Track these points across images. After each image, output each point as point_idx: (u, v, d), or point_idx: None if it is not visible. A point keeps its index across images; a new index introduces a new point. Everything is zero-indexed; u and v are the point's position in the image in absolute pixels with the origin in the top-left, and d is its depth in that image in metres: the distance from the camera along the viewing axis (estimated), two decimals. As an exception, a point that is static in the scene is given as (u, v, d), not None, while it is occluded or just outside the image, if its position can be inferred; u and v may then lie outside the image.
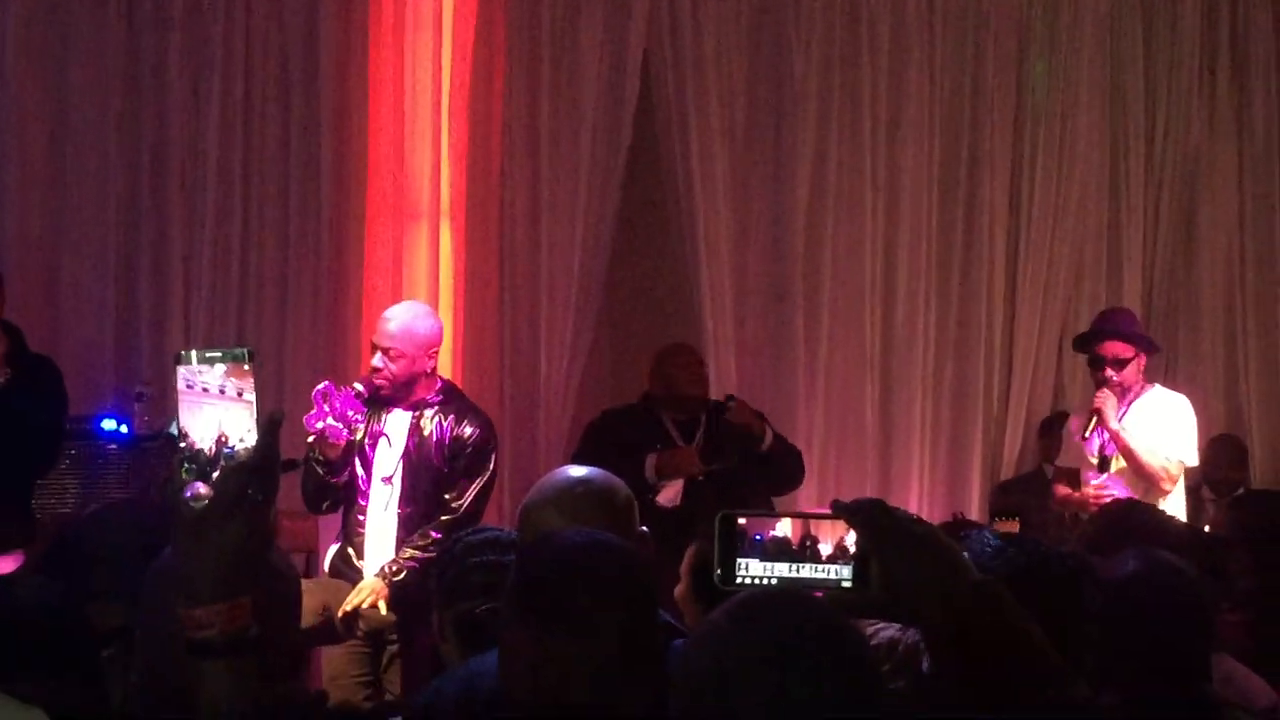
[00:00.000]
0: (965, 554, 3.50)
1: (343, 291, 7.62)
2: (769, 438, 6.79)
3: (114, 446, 6.86)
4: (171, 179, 7.45)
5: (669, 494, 6.62)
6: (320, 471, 5.88)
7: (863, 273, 8.31)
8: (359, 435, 5.93)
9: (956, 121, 8.45)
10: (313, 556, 7.02)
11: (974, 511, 8.23)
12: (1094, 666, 3.30)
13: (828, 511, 2.08)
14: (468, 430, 5.99)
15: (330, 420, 5.78)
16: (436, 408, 5.96)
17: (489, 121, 7.82)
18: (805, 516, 2.11)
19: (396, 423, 5.98)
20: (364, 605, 5.75)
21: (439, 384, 6.03)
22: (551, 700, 2.41)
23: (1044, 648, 2.01)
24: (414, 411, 5.97)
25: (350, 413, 5.82)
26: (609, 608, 2.47)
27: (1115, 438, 6.91)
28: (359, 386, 5.88)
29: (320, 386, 5.87)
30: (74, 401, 6.91)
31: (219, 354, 2.06)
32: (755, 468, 6.74)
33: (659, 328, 8.03)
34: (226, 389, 2.04)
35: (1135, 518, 4.42)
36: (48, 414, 6.05)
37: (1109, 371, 6.97)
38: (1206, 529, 7.13)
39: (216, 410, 2.04)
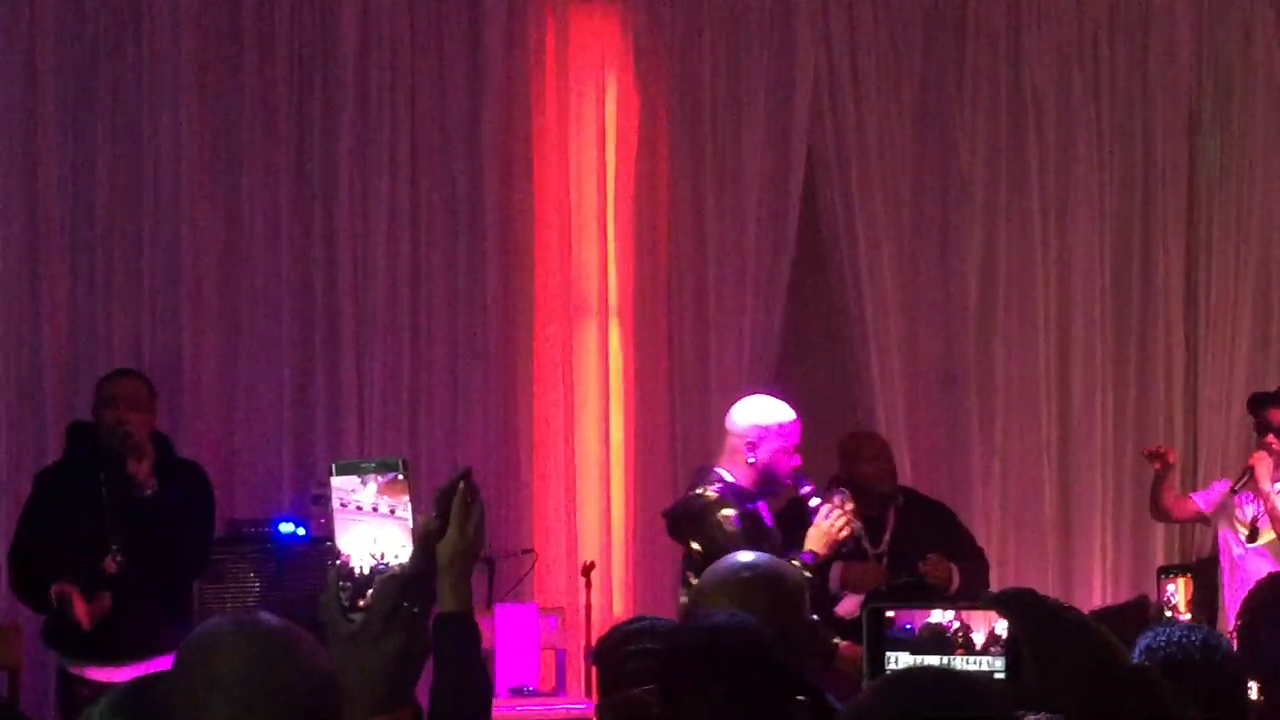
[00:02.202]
0: (1147, 639, 3.47)
1: (511, 390, 7.67)
2: (955, 582, 6.63)
3: (292, 548, 6.99)
4: (342, 280, 7.54)
5: (849, 605, 6.43)
6: None
7: (1036, 356, 8.21)
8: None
9: (1127, 201, 8.33)
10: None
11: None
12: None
13: (977, 602, 2.07)
14: None
15: None
16: None
17: (655, 221, 7.87)
18: (955, 606, 2.08)
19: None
20: None
21: None
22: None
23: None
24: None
25: None
26: (733, 683, 2.55)
27: (1265, 499, 6.78)
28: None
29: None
30: (252, 504, 7.18)
31: (372, 465, 2.07)
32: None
33: (830, 422, 7.97)
34: (379, 506, 2.05)
35: None
36: (196, 519, 6.28)
37: (1270, 437, 6.88)
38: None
39: (370, 527, 2.05)
